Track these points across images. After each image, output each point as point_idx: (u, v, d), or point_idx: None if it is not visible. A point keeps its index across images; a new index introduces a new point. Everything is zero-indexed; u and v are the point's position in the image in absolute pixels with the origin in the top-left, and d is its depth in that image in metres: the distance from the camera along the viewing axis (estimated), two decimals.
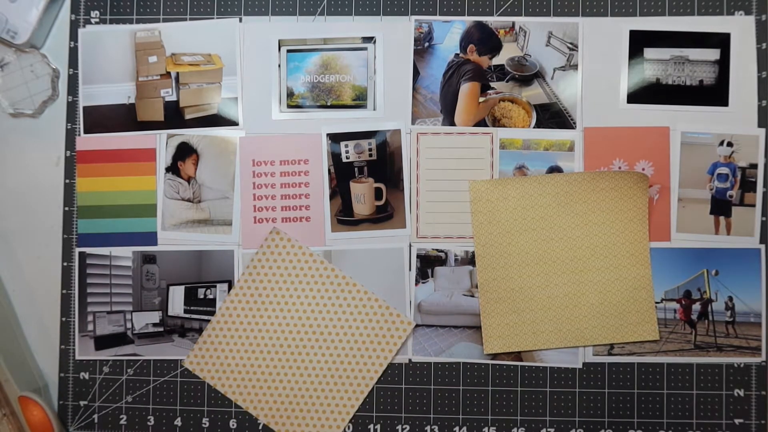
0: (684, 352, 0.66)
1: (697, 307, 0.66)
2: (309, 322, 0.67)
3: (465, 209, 0.67)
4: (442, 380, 0.67)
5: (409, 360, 0.67)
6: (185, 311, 0.68)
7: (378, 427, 0.67)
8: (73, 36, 0.69)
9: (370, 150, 0.68)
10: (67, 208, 0.69)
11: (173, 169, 0.68)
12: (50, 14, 0.68)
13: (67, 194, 0.69)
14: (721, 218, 0.67)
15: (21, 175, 0.69)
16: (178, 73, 0.69)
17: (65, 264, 0.69)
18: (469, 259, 0.67)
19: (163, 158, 0.68)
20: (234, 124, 0.68)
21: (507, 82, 0.68)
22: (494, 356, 0.67)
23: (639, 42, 0.67)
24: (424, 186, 0.68)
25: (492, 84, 0.68)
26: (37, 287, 0.69)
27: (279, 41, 0.68)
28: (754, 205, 0.67)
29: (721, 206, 0.67)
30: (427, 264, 0.67)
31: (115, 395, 0.68)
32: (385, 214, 0.68)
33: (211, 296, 0.68)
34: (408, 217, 0.68)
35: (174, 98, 0.69)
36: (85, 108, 0.69)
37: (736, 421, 0.66)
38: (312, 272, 0.67)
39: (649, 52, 0.67)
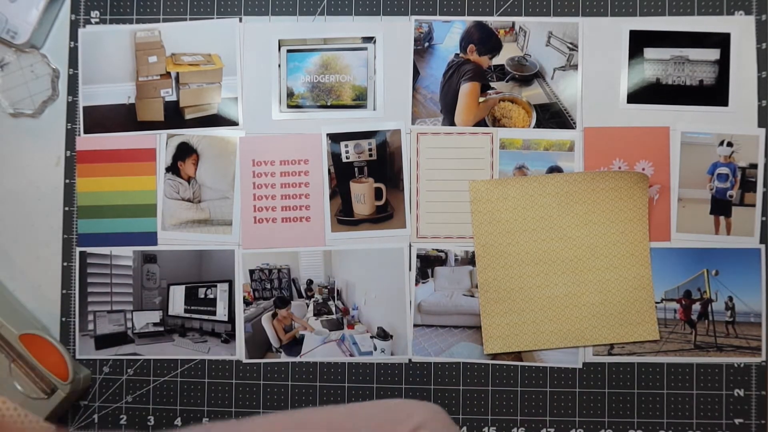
0: (684, 352, 0.66)
1: (697, 307, 0.66)
2: None
3: (465, 209, 0.67)
4: (442, 380, 0.67)
5: (409, 360, 0.67)
6: (185, 311, 0.68)
7: None
8: (73, 36, 0.69)
9: (370, 150, 0.68)
10: (67, 208, 0.69)
11: (173, 169, 0.68)
12: (50, 14, 0.68)
13: (67, 194, 0.69)
14: (721, 218, 0.66)
15: (21, 175, 0.69)
16: (178, 73, 0.69)
17: (65, 264, 0.69)
18: (469, 259, 0.67)
19: (163, 158, 0.68)
20: (234, 124, 0.68)
21: (507, 82, 0.68)
22: (494, 356, 0.67)
23: (639, 42, 0.67)
24: (424, 186, 0.68)
25: (492, 84, 0.68)
26: (37, 287, 0.69)
27: (279, 41, 0.68)
28: (754, 205, 0.66)
29: (721, 206, 0.66)
30: (427, 264, 0.67)
31: (115, 395, 0.68)
32: (385, 214, 0.68)
33: (211, 296, 0.68)
34: (408, 217, 0.67)
35: (174, 98, 0.69)
36: (85, 108, 0.69)
37: (736, 421, 0.66)
38: None
39: (649, 52, 0.67)
